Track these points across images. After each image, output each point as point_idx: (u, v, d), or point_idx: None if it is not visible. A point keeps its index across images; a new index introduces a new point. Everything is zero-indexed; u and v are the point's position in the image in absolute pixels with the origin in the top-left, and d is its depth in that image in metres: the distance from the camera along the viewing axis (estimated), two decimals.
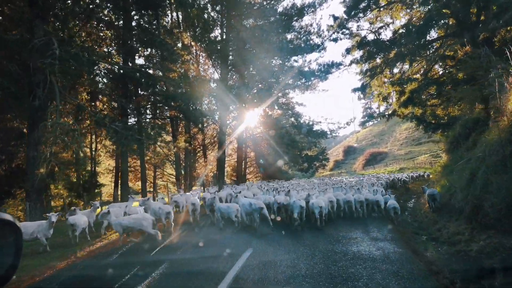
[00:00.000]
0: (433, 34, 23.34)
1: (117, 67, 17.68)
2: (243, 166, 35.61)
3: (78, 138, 14.36)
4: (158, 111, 21.23)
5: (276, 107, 33.50)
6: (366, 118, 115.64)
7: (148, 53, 19.78)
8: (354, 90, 24.82)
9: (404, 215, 13.06)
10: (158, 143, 22.25)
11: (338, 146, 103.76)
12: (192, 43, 28.18)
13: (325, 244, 7.98)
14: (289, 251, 7.43)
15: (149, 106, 21.35)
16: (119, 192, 22.37)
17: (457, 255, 6.58)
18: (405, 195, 20.82)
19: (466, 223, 8.46)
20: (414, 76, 23.70)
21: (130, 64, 18.84)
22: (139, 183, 36.84)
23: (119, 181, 23.89)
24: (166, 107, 20.61)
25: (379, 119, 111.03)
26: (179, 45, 20.99)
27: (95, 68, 18.42)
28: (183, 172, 28.79)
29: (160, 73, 18.85)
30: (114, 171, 27.70)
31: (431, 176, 31.19)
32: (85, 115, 17.73)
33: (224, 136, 27.40)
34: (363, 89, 24.08)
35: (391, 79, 25.79)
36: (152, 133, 16.80)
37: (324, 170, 76.47)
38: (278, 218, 12.02)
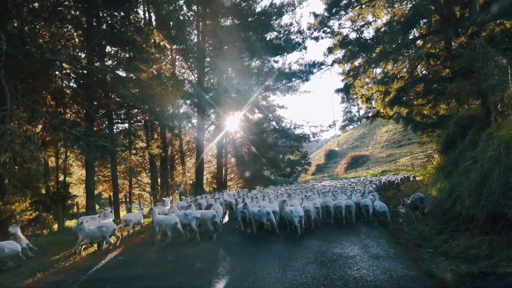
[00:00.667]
0: (416, 33, 22.59)
1: (79, 66, 15.81)
2: (223, 173, 34.01)
3: (33, 145, 12.51)
4: (130, 116, 19.33)
5: (256, 111, 32.13)
6: (347, 122, 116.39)
7: (116, 52, 17.97)
8: (337, 91, 23.66)
9: (398, 223, 11.86)
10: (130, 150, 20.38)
11: (320, 151, 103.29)
12: (167, 44, 26.60)
13: (319, 267, 6.48)
14: (275, 279, 5.92)
15: (123, 110, 19.49)
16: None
17: (485, 279, 5.24)
18: (394, 200, 19.75)
19: (480, 234, 7.18)
20: (399, 76, 22.77)
21: (97, 65, 17.06)
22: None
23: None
24: (137, 110, 18.78)
25: (359, 123, 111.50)
26: (151, 44, 19.29)
27: (56, 68, 16.58)
28: (160, 181, 26.93)
29: (131, 75, 17.08)
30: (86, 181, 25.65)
31: (417, 178, 30.40)
32: (43, 120, 15.78)
33: (202, 142, 25.75)
34: (346, 89, 22.94)
35: (374, 79, 24.90)
36: (121, 139, 14.94)
37: (307, 174, 75.67)
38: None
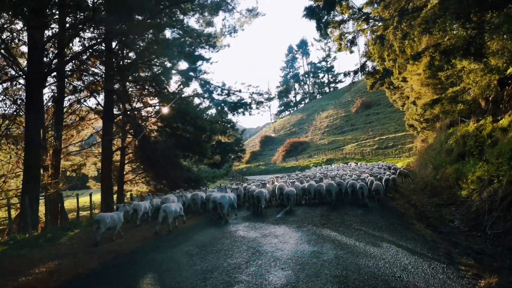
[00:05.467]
0: None
1: None
2: (116, 163, 21.22)
3: None
4: None
5: (168, 64, 19.51)
6: (283, 107, 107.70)
7: None
8: (308, 12, 12.27)
9: None
10: None
11: (255, 137, 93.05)
12: None
13: None
14: None
15: None
16: None
17: None
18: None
19: None
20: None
21: None
22: None
23: None
24: None
25: (295, 109, 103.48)
26: None
27: None
28: None
29: None
30: None
31: (401, 168, 20.72)
32: None
33: (40, 103, 12.48)
34: (328, 5, 11.53)
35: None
36: None
37: (240, 163, 64.73)
38: None
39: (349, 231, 7.52)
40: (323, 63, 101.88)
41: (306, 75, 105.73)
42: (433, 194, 14.33)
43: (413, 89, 21.22)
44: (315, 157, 52.58)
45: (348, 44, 14.55)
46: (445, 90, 19.32)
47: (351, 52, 15.47)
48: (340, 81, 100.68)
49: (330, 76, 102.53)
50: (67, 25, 12.77)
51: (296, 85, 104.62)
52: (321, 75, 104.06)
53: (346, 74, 15.90)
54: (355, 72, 15.53)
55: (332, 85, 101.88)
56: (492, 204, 7.77)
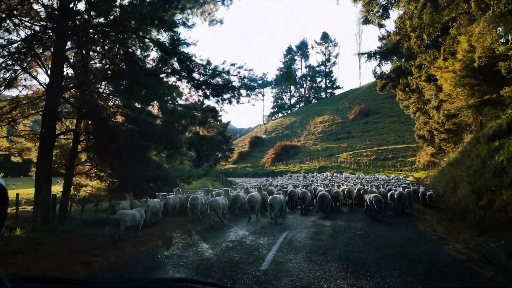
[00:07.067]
0: None
1: None
2: (67, 152, 16.69)
3: None
4: None
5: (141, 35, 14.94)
6: (276, 109, 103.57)
7: None
8: None
9: None
10: None
11: (244, 137, 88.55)
12: None
13: None
14: None
15: None
16: None
17: None
18: None
19: None
20: None
21: None
22: None
23: None
24: None
25: (289, 111, 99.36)
26: None
27: None
28: None
29: None
30: None
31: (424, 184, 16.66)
32: None
33: None
34: None
35: None
36: None
37: (227, 162, 60.26)
38: None
39: None
40: (322, 67, 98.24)
41: (303, 78, 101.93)
42: (481, 229, 10.10)
43: (441, 90, 17.07)
44: (307, 162, 48.33)
45: (381, 11, 10.25)
46: (483, 94, 15.27)
47: (381, 26, 11.20)
48: (338, 87, 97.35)
49: (327, 81, 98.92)
50: None
51: (292, 88, 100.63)
52: (318, 79, 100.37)
53: (371, 56, 11.67)
54: (383, 54, 11.28)
55: (329, 90, 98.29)
56: None
